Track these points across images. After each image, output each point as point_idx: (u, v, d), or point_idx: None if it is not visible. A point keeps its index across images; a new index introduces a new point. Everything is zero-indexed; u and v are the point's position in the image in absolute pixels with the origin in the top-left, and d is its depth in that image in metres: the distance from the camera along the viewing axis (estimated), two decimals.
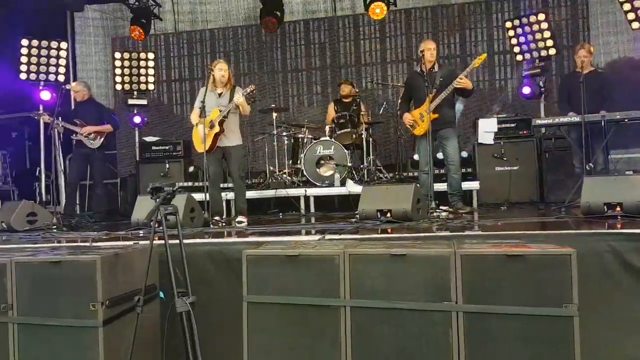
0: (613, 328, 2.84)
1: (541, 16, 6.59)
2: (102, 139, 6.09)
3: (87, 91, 6.24)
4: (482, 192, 5.93)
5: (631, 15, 5.72)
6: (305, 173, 6.19)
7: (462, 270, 2.39)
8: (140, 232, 4.18)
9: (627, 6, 5.70)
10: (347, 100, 6.83)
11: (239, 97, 4.70)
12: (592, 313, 2.67)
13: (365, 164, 6.38)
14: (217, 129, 4.76)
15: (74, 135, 6.06)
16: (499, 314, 2.35)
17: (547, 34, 6.55)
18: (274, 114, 6.68)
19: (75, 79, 8.27)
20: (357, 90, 6.96)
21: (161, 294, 2.86)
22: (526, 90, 6.86)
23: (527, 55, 6.73)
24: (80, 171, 6.17)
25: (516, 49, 6.80)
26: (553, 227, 3.58)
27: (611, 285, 2.86)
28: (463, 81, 4.71)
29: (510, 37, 6.81)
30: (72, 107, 7.10)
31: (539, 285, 2.32)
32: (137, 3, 8.14)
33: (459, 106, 6.95)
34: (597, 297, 2.79)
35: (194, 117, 4.88)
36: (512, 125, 6.17)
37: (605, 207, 3.63)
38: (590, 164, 4.76)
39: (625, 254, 2.85)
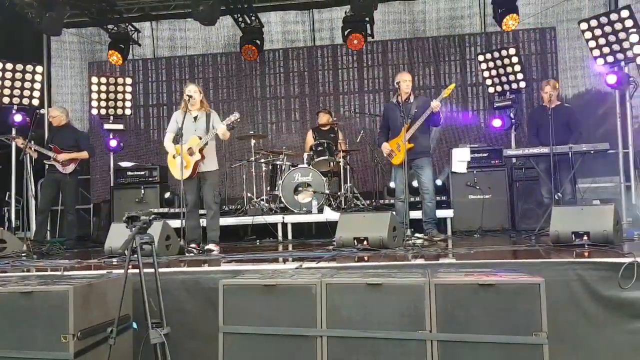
0: (580, 356, 2.91)
1: (512, 50, 6.88)
2: (76, 164, 5.98)
3: (65, 116, 6.10)
4: (455, 220, 6.06)
5: (596, 52, 6.04)
6: (283, 200, 6.21)
7: (437, 299, 2.44)
8: (114, 260, 4.09)
9: (592, 43, 6.02)
10: (325, 129, 6.93)
11: (223, 128, 4.66)
12: (561, 341, 2.74)
13: (342, 191, 6.44)
14: (197, 156, 4.68)
15: (47, 159, 5.93)
16: (471, 342, 2.40)
17: (517, 68, 6.83)
18: (253, 141, 6.72)
19: (50, 103, 8.16)
20: (335, 119, 7.08)
21: (134, 325, 2.80)
22: (497, 123, 7.13)
23: (499, 88, 6.99)
24: (51, 197, 6.01)
25: (488, 82, 7.07)
26: (524, 256, 3.69)
27: (579, 313, 2.94)
28: (434, 105, 4.85)
29: (483, 70, 7.08)
30: (47, 131, 6.96)
31: (510, 313, 2.38)
32: (115, 28, 8.15)
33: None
34: (565, 325, 2.87)
35: (168, 143, 4.81)
36: (485, 155, 6.37)
37: (573, 235, 3.76)
38: (559, 194, 4.92)
39: (591, 283, 2.96)
